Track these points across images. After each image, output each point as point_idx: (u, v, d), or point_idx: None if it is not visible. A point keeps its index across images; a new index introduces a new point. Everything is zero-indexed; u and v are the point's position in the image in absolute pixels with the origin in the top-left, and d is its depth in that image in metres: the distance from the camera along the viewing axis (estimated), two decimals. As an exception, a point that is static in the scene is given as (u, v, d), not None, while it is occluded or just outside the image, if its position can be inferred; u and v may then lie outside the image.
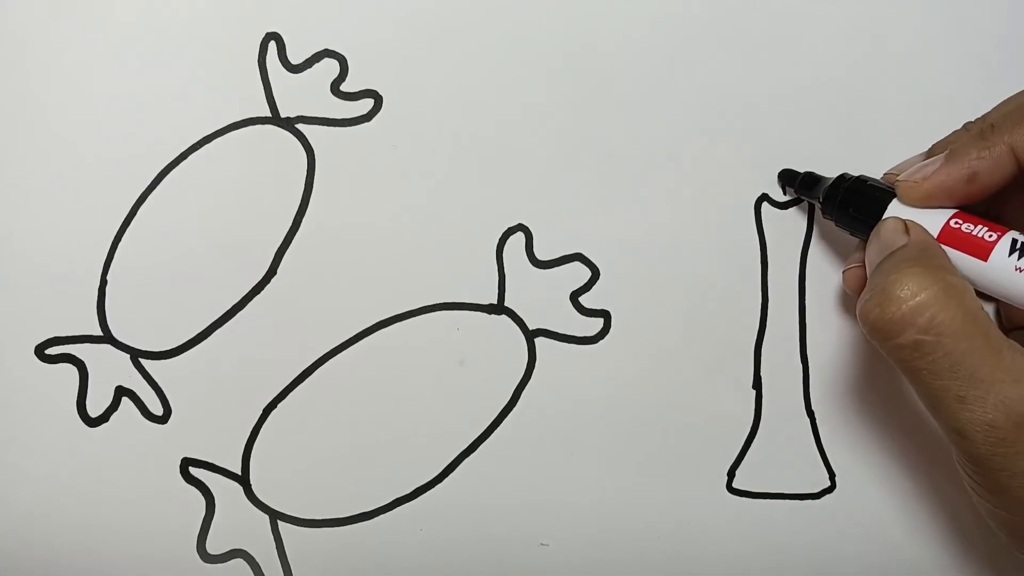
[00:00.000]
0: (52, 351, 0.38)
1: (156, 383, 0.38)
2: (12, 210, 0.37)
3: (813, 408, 0.40)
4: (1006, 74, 0.40)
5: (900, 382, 0.40)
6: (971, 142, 0.32)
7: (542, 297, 0.39)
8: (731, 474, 0.40)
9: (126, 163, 0.37)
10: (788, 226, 0.40)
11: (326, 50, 0.38)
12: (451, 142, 0.38)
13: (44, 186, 0.37)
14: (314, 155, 0.38)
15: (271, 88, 0.38)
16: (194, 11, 0.37)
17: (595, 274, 0.39)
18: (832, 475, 0.40)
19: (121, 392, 0.38)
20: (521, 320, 0.39)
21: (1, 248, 0.37)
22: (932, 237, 0.32)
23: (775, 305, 0.40)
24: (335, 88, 0.38)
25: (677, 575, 0.40)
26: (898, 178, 0.34)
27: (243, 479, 0.38)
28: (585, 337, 0.39)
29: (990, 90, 0.40)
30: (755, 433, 0.40)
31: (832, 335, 0.40)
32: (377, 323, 0.38)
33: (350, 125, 0.38)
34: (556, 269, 0.39)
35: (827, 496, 0.40)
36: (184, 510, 0.38)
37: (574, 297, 0.39)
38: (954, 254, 0.32)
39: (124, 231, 0.37)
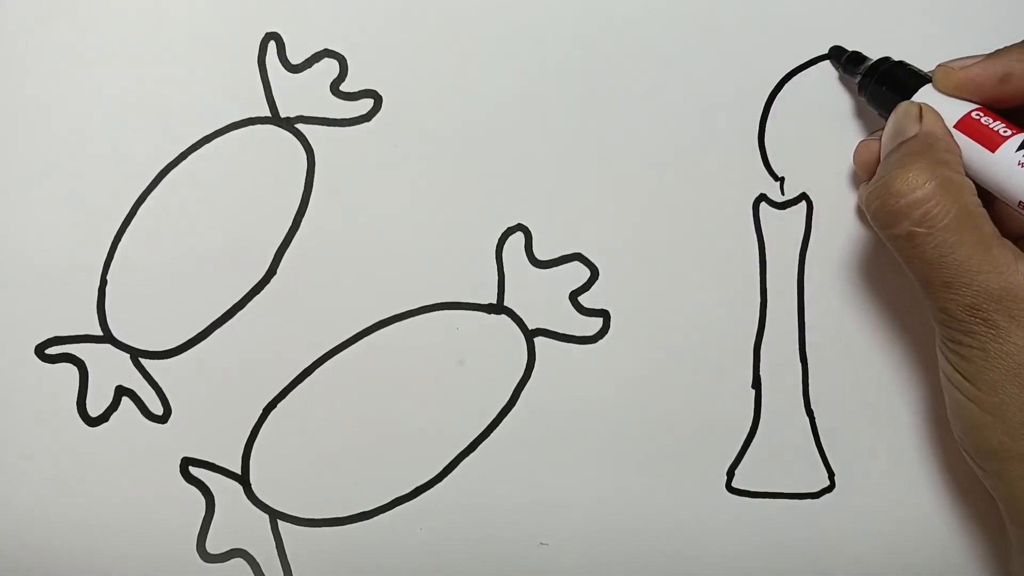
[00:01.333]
0: (52, 351, 0.38)
1: (156, 383, 0.38)
2: (12, 210, 0.37)
3: (812, 407, 0.40)
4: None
5: (899, 382, 0.40)
6: (1014, 48, 0.33)
7: (541, 297, 0.39)
8: (730, 474, 0.40)
9: (126, 163, 0.37)
10: (787, 226, 0.40)
11: (326, 50, 0.38)
12: (450, 142, 0.38)
13: (44, 186, 0.37)
14: (314, 155, 0.38)
15: (271, 88, 0.38)
16: (194, 11, 0.37)
17: (594, 274, 0.39)
18: (831, 475, 0.40)
19: (121, 392, 0.38)
20: (520, 320, 0.39)
21: (1, 248, 0.37)
22: (944, 128, 0.34)
23: (774, 305, 0.40)
24: (335, 88, 0.38)
25: (677, 575, 0.40)
26: (940, 65, 0.35)
27: (243, 479, 0.38)
28: (584, 337, 0.39)
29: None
30: (754, 433, 0.40)
31: (831, 334, 0.40)
32: (377, 323, 0.38)
33: (350, 125, 0.38)
34: (555, 269, 0.39)
35: (826, 496, 0.40)
36: (184, 510, 0.38)
37: (573, 297, 0.39)
38: (966, 142, 0.33)
39: (124, 231, 0.37)
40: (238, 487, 0.38)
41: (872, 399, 0.40)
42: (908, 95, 0.35)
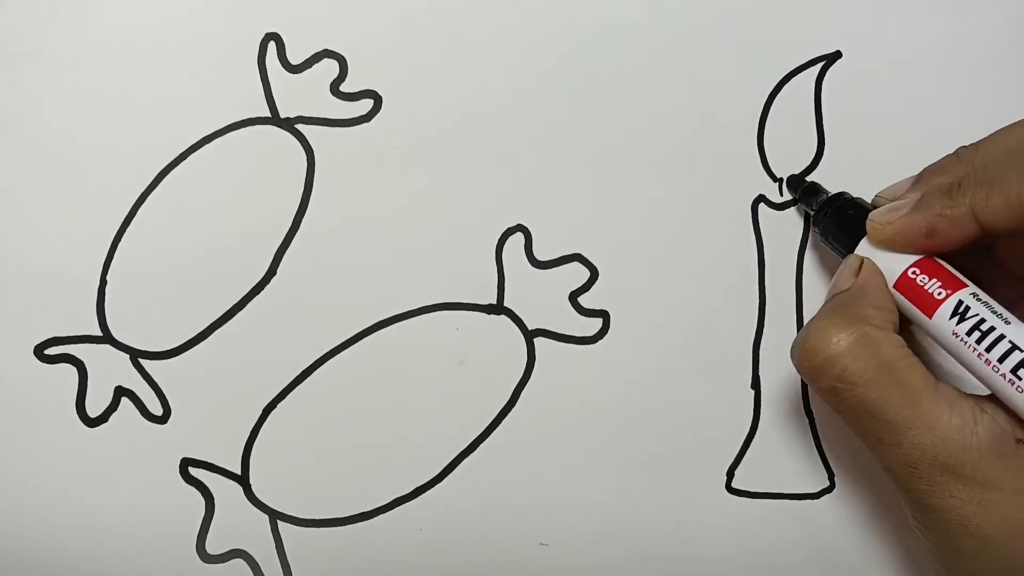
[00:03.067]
0: (52, 351, 0.37)
1: (156, 383, 0.38)
2: (12, 210, 0.37)
3: (812, 408, 0.40)
4: (1006, 75, 0.40)
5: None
6: (938, 198, 0.32)
7: (541, 297, 0.39)
8: (730, 474, 0.40)
9: (126, 163, 0.37)
10: (785, 226, 0.40)
11: (326, 50, 0.38)
12: (450, 142, 0.38)
13: (44, 186, 0.37)
14: (314, 155, 0.38)
15: (271, 88, 0.38)
16: (194, 11, 0.37)
17: (594, 274, 0.39)
18: (831, 475, 0.40)
19: (121, 392, 0.38)
20: (520, 320, 0.39)
21: (1, 248, 0.37)
22: (880, 283, 0.33)
23: (773, 305, 0.40)
24: (335, 88, 0.38)
25: (677, 575, 0.40)
26: (870, 218, 0.34)
27: (243, 479, 0.38)
28: (584, 337, 0.39)
29: (990, 91, 0.40)
30: (754, 433, 0.40)
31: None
32: (377, 323, 0.38)
33: (350, 125, 0.38)
34: (555, 269, 0.39)
35: (826, 496, 0.40)
36: (184, 510, 0.38)
37: (573, 297, 0.39)
38: (905, 304, 0.33)
39: (124, 231, 0.37)
40: (238, 487, 0.38)
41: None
42: (854, 242, 0.35)
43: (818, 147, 0.40)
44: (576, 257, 0.39)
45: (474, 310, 0.39)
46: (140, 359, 0.38)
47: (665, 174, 0.39)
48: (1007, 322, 0.31)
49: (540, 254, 0.39)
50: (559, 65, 0.39)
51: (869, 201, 0.36)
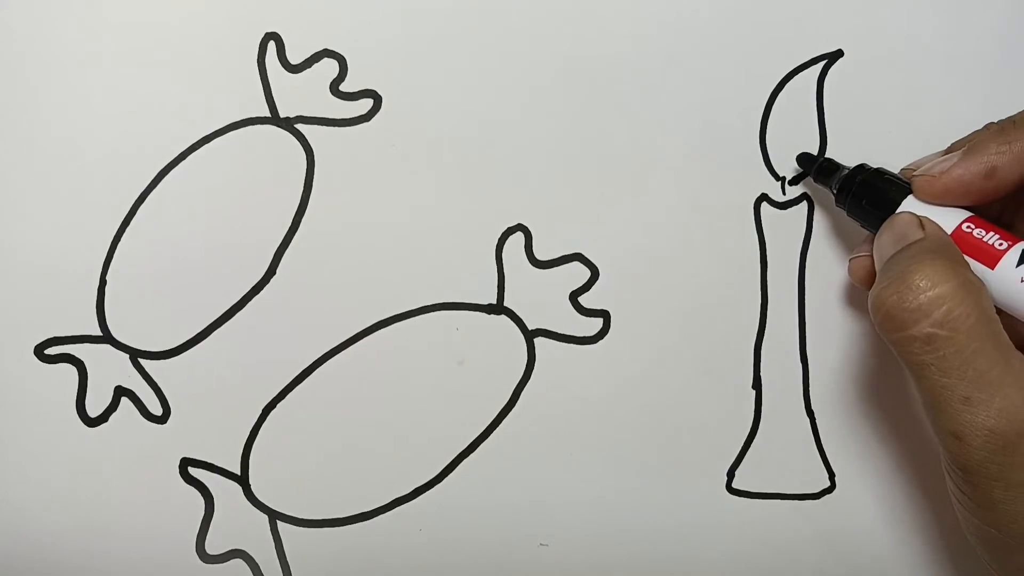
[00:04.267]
0: (51, 351, 0.38)
1: (155, 383, 0.38)
2: (12, 210, 0.37)
3: (813, 408, 0.40)
4: (1008, 73, 0.40)
5: (900, 382, 0.40)
6: (991, 137, 0.32)
7: (541, 297, 0.39)
8: (731, 474, 0.40)
9: (126, 163, 0.37)
10: (788, 226, 0.40)
11: (325, 50, 0.38)
12: (450, 142, 0.38)
13: (44, 186, 0.37)
14: (313, 155, 0.38)
15: (270, 88, 0.38)
16: (193, 11, 0.37)
17: (594, 274, 0.39)
18: (832, 475, 0.40)
19: (120, 392, 0.38)
20: (520, 320, 0.39)
21: (1, 248, 0.37)
22: (947, 235, 0.32)
23: (775, 305, 0.40)
24: (334, 88, 0.38)
25: (677, 575, 0.40)
26: (915, 172, 0.33)
27: (242, 479, 0.38)
28: (584, 337, 0.39)
29: (992, 90, 0.40)
30: (755, 433, 0.40)
31: (832, 335, 0.40)
32: (376, 323, 0.38)
33: (349, 125, 0.38)
34: (555, 269, 0.39)
35: (827, 496, 0.40)
36: (183, 510, 0.38)
37: (573, 297, 0.39)
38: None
39: (124, 231, 0.37)
40: (237, 487, 0.38)
41: (872, 399, 0.40)
42: (891, 208, 0.34)
43: (820, 146, 0.40)
44: (576, 257, 0.39)
45: (474, 310, 0.39)
46: (140, 359, 0.38)
47: (666, 173, 0.39)
48: None
49: (540, 254, 0.39)
50: (560, 65, 0.38)
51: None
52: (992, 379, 0.28)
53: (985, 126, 0.34)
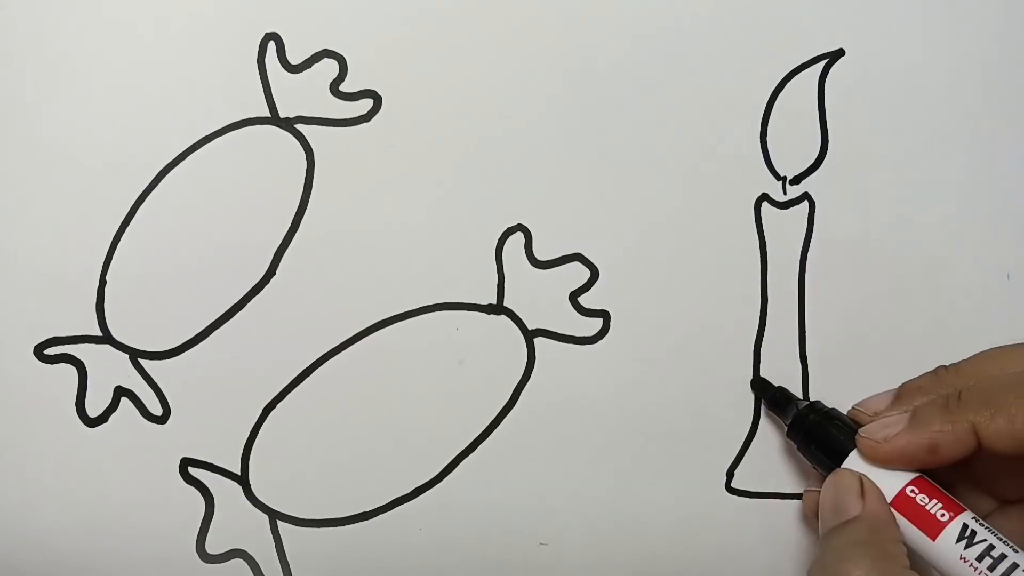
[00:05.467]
0: (51, 351, 0.37)
1: (155, 383, 0.38)
2: (12, 210, 0.37)
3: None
4: (1008, 73, 0.40)
5: (900, 382, 0.40)
6: (935, 413, 0.32)
7: (541, 297, 0.39)
8: (730, 474, 0.40)
9: (125, 163, 0.37)
10: (788, 226, 0.40)
11: (325, 50, 0.38)
12: (450, 142, 0.38)
13: (43, 186, 0.37)
14: (313, 155, 0.38)
15: (270, 88, 0.38)
16: (193, 11, 0.37)
17: (594, 274, 0.39)
18: (831, 475, 0.40)
19: (120, 392, 0.38)
20: (520, 320, 0.39)
21: (1, 248, 0.37)
22: (887, 509, 0.32)
23: (775, 305, 0.40)
24: (334, 88, 0.38)
25: (676, 575, 0.40)
26: (860, 434, 0.34)
27: (242, 479, 0.38)
28: (584, 337, 0.39)
29: (993, 89, 0.40)
30: (754, 433, 0.40)
31: (832, 335, 0.40)
32: (376, 323, 0.38)
33: (349, 125, 0.38)
34: (555, 269, 0.39)
35: (826, 496, 0.40)
36: (183, 510, 0.38)
37: (573, 297, 0.39)
38: (904, 523, 0.32)
39: (123, 231, 0.37)
40: (237, 487, 0.38)
41: (872, 399, 0.40)
42: (839, 457, 0.34)
43: (821, 145, 0.40)
44: (576, 257, 0.39)
45: (474, 310, 0.39)
46: (140, 359, 0.38)
47: (667, 173, 0.39)
48: (1015, 550, 0.30)
49: (540, 254, 0.39)
50: (560, 64, 0.38)
51: (844, 411, 0.36)
52: None
53: (935, 370, 0.34)
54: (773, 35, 0.39)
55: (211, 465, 0.38)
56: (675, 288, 0.39)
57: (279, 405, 0.38)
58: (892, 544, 0.31)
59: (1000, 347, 0.34)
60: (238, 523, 0.38)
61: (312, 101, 0.38)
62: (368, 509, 0.39)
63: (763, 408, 0.40)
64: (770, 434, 0.40)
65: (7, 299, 0.37)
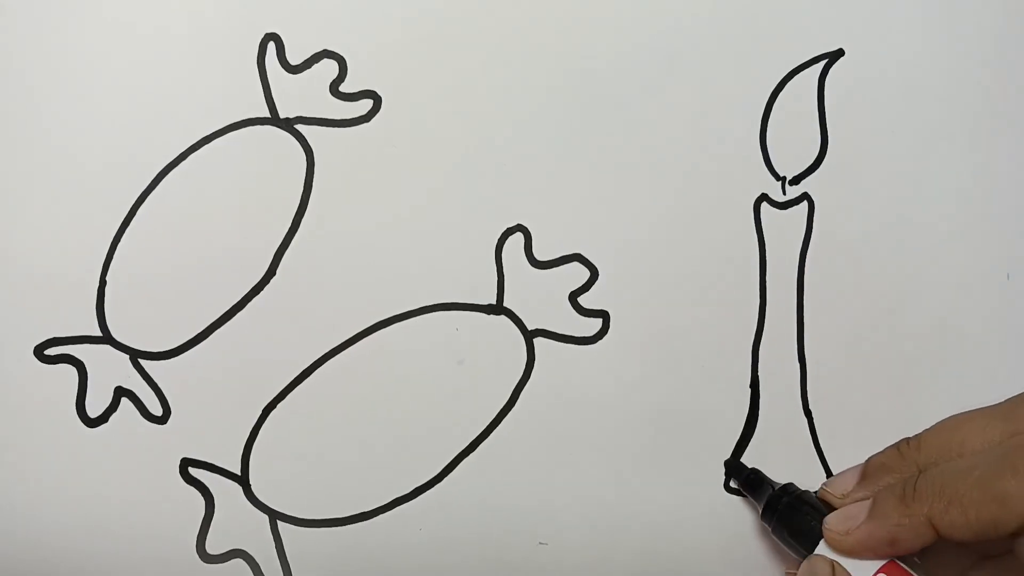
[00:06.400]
0: (51, 352, 0.37)
1: (155, 383, 0.38)
2: (12, 211, 0.37)
3: (811, 408, 0.40)
4: (1007, 72, 0.40)
5: (898, 383, 0.40)
6: (894, 505, 0.32)
7: (541, 297, 0.39)
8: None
9: (126, 163, 0.37)
10: (787, 226, 0.40)
11: (325, 51, 0.38)
12: (450, 143, 0.38)
13: (44, 186, 0.37)
14: (313, 156, 0.38)
15: (270, 89, 0.38)
16: (193, 11, 0.37)
17: (594, 274, 0.39)
18: (830, 474, 0.40)
19: (120, 393, 0.38)
20: (520, 320, 0.39)
21: (1, 248, 0.37)
22: None
23: (773, 305, 0.40)
24: (334, 89, 0.38)
25: (676, 574, 0.40)
26: (825, 525, 0.34)
27: (242, 479, 0.38)
28: (584, 337, 0.39)
29: (992, 89, 0.40)
30: (753, 432, 0.40)
31: (830, 335, 0.40)
32: (376, 323, 0.38)
33: (349, 126, 0.38)
34: (555, 269, 0.39)
35: (826, 496, 0.40)
36: (184, 510, 0.38)
37: (573, 297, 0.39)
38: None
39: (123, 231, 0.37)
40: (238, 488, 0.38)
41: (871, 399, 0.40)
42: (812, 542, 0.35)
43: (821, 145, 0.40)
44: (576, 257, 0.39)
45: (474, 310, 0.39)
46: (140, 359, 0.38)
47: (666, 173, 0.39)
48: None
49: (540, 254, 0.39)
50: (559, 64, 0.38)
51: (813, 492, 0.36)
52: None
53: (898, 444, 0.34)
54: (773, 35, 0.39)
55: (211, 465, 0.38)
56: (674, 288, 0.39)
57: (279, 405, 0.38)
58: None
59: (962, 415, 0.34)
60: (238, 523, 0.38)
61: (312, 101, 0.38)
62: (368, 509, 0.39)
63: (815, 417, 0.40)
64: (769, 434, 0.40)
65: (7, 299, 0.37)
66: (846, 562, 0.33)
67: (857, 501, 0.34)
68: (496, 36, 0.38)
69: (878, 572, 0.33)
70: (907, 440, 0.34)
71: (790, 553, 0.37)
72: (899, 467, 0.34)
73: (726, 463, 0.40)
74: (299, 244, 0.38)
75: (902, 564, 0.33)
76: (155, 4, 0.37)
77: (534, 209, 0.39)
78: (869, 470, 0.35)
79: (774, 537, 0.37)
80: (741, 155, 0.39)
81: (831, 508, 0.35)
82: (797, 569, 0.36)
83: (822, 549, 0.34)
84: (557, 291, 0.39)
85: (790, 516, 0.36)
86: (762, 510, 0.37)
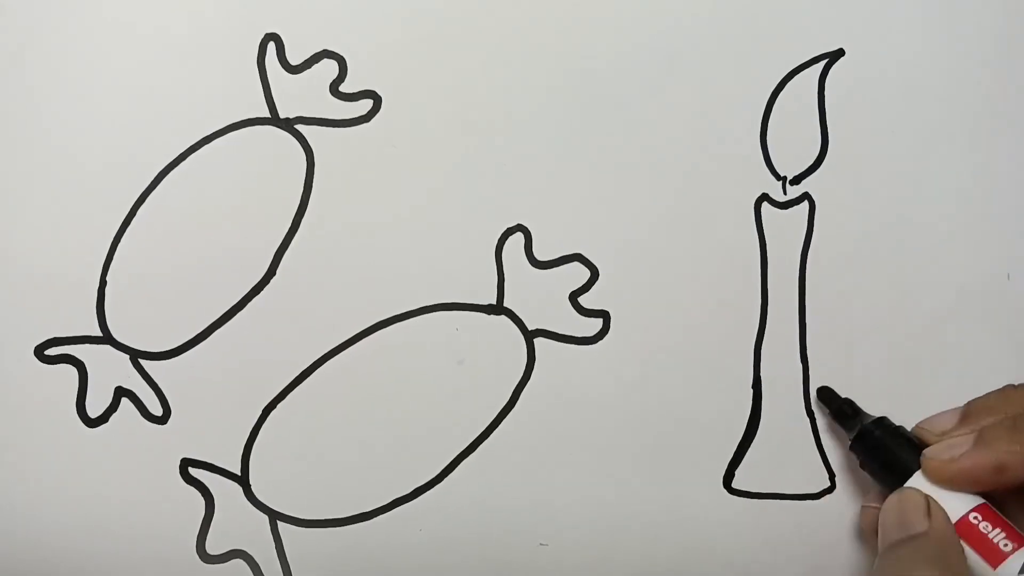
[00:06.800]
0: (51, 352, 0.37)
1: (156, 383, 0.38)
2: (12, 211, 0.37)
3: (813, 408, 0.40)
4: (1008, 72, 0.40)
5: (899, 383, 0.40)
6: (1003, 434, 0.32)
7: (541, 297, 0.39)
8: (730, 474, 0.40)
9: (126, 163, 0.37)
10: (788, 225, 0.40)
11: (325, 51, 0.38)
12: (450, 143, 0.38)
13: (44, 186, 0.37)
14: (313, 156, 0.38)
15: (270, 89, 0.38)
16: (193, 11, 0.37)
17: (594, 274, 0.39)
18: (832, 475, 0.40)
19: (120, 393, 0.38)
20: (520, 320, 0.39)
21: (1, 248, 0.37)
22: (953, 530, 0.32)
23: (775, 305, 0.40)
24: (334, 89, 0.38)
25: (676, 575, 0.40)
26: (926, 455, 0.34)
27: (243, 479, 0.38)
28: (584, 337, 0.39)
29: (993, 89, 0.40)
30: (754, 433, 0.40)
31: (832, 335, 0.40)
32: (376, 323, 0.38)
33: (349, 126, 0.38)
34: (555, 269, 0.39)
35: (827, 496, 0.40)
36: (183, 510, 0.38)
37: (573, 297, 0.39)
38: (966, 548, 0.32)
39: (124, 231, 0.37)
40: (238, 488, 0.38)
41: (873, 399, 0.40)
42: (904, 475, 0.34)
43: (822, 145, 0.40)
44: (576, 257, 0.39)
45: (474, 310, 0.39)
46: (140, 359, 0.38)
47: (666, 173, 0.39)
48: None
49: (540, 254, 0.39)
50: (559, 64, 0.38)
51: (909, 428, 0.36)
52: None
53: (1003, 389, 0.34)
54: (773, 35, 0.39)
55: (211, 465, 0.38)
56: (675, 288, 0.39)
57: (279, 405, 0.38)
58: (959, 563, 0.31)
59: None
60: (238, 523, 0.38)
61: (312, 101, 0.38)
62: (368, 509, 0.39)
63: (817, 418, 0.40)
64: (771, 434, 0.40)
65: (7, 299, 0.37)
66: (938, 496, 0.33)
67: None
68: (496, 36, 0.38)
69: (971, 511, 0.32)
70: (1012, 385, 0.34)
71: (877, 484, 0.36)
72: (1004, 408, 0.33)
73: (819, 391, 0.39)
74: (299, 244, 0.38)
75: (994, 509, 0.32)
76: (155, 4, 0.37)
77: (534, 209, 0.39)
78: (971, 411, 0.34)
79: (863, 469, 0.37)
80: (741, 155, 0.39)
81: (926, 447, 0.34)
82: (876, 503, 0.35)
83: (915, 482, 0.34)
84: (557, 291, 0.39)
85: (884, 447, 0.35)
86: (852, 441, 0.37)
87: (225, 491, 0.38)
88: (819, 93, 0.39)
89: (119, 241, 0.37)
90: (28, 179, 0.37)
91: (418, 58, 0.38)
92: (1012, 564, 0.31)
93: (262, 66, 0.37)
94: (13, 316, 0.37)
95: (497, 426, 0.39)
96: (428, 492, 0.39)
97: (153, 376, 0.38)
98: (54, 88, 0.37)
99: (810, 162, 0.40)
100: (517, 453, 0.39)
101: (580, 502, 0.40)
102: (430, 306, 0.39)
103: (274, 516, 0.39)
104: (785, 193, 0.39)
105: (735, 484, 0.40)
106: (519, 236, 0.39)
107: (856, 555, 0.40)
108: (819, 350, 0.40)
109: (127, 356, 0.38)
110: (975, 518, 0.32)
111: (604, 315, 0.39)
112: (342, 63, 0.38)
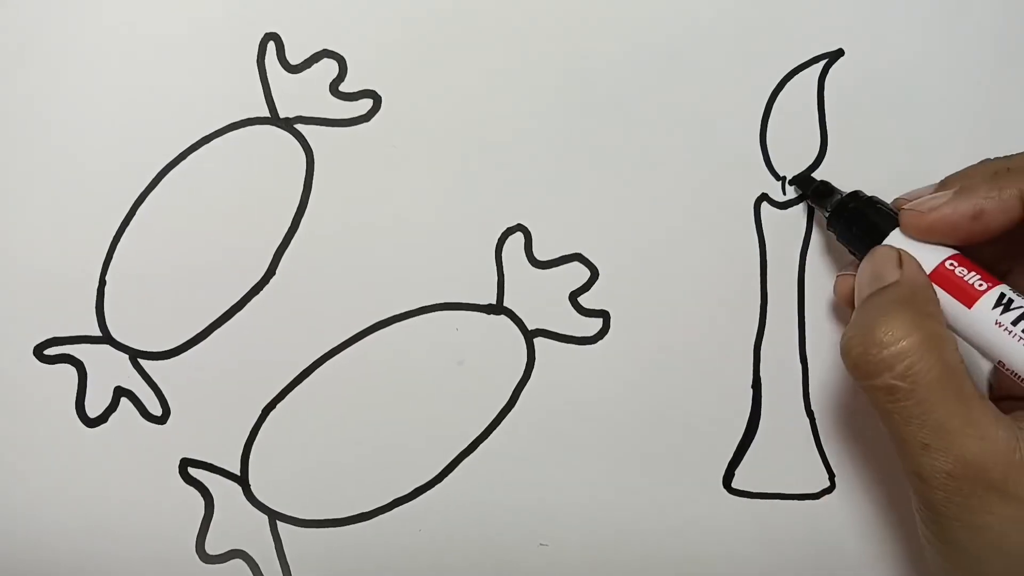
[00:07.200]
0: (51, 351, 0.38)
1: (155, 383, 0.38)
2: (11, 210, 0.37)
3: (812, 408, 0.40)
4: (1009, 72, 0.40)
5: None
6: (983, 181, 0.32)
7: (541, 297, 0.39)
8: (730, 474, 0.40)
9: (125, 163, 0.37)
10: (788, 226, 0.40)
11: (325, 50, 0.38)
12: (450, 142, 0.38)
13: (43, 186, 0.37)
14: (313, 155, 0.38)
15: (270, 88, 0.38)
16: (193, 11, 0.37)
17: (594, 274, 0.39)
18: (831, 475, 0.40)
19: (120, 392, 0.38)
20: (520, 320, 0.39)
21: (1, 248, 0.37)
22: (925, 276, 0.33)
23: (774, 305, 0.40)
24: (334, 88, 0.38)
25: (676, 575, 0.40)
26: (904, 207, 0.34)
27: (242, 479, 0.38)
28: (584, 337, 0.39)
29: (993, 89, 0.40)
30: (754, 433, 0.40)
31: (832, 335, 0.40)
32: (376, 323, 0.38)
33: (349, 125, 0.38)
34: (555, 269, 0.39)
35: (827, 496, 0.40)
36: (183, 510, 0.38)
37: (573, 297, 0.39)
38: (941, 295, 0.32)
39: (123, 231, 0.37)
40: (237, 488, 0.38)
41: (872, 399, 0.40)
42: (878, 238, 0.34)
43: (821, 145, 0.40)
44: (576, 257, 0.39)
45: (474, 310, 0.39)
46: (139, 359, 0.38)
47: (666, 173, 0.39)
48: None
49: (540, 254, 0.39)
50: (559, 64, 0.38)
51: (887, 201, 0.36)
52: (951, 429, 0.29)
53: (981, 161, 0.34)
54: (773, 35, 0.39)
55: (211, 465, 0.38)
56: (675, 288, 0.39)
57: (279, 405, 0.38)
58: (931, 304, 0.31)
59: None
60: (238, 523, 0.38)
61: (312, 101, 0.38)
62: (368, 509, 0.39)
63: (817, 418, 0.40)
64: (770, 434, 0.40)
65: (7, 299, 0.37)
66: (914, 249, 0.33)
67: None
68: (496, 36, 0.38)
69: (947, 259, 0.32)
70: (989, 158, 0.34)
71: (854, 255, 0.36)
72: (982, 172, 0.33)
73: (794, 178, 0.39)
74: (299, 244, 0.38)
75: (968, 258, 0.33)
76: (155, 4, 0.37)
77: (534, 209, 0.39)
78: (949, 178, 0.34)
79: (840, 242, 0.36)
80: (741, 155, 0.39)
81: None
82: (852, 271, 0.35)
83: (890, 240, 0.34)
84: (557, 291, 0.39)
85: (861, 213, 0.35)
86: (829, 214, 0.37)
87: (225, 491, 0.38)
88: (819, 93, 0.39)
89: (119, 241, 0.37)
90: (28, 179, 0.37)
91: (418, 58, 0.38)
92: (987, 300, 0.31)
93: (262, 66, 0.37)
94: (13, 316, 0.37)
95: (497, 426, 0.39)
96: (428, 492, 0.39)
97: (152, 376, 0.38)
98: (54, 88, 0.37)
99: (809, 162, 0.40)
100: (517, 453, 0.39)
101: (580, 502, 0.40)
102: (430, 306, 0.39)
103: (274, 516, 0.39)
104: (784, 193, 0.40)
105: (735, 484, 0.40)
106: (519, 236, 0.39)
107: (856, 555, 0.40)
108: (819, 350, 0.40)
109: (126, 356, 0.38)
110: (950, 265, 0.32)
111: (604, 315, 0.39)
112: (342, 63, 0.38)
